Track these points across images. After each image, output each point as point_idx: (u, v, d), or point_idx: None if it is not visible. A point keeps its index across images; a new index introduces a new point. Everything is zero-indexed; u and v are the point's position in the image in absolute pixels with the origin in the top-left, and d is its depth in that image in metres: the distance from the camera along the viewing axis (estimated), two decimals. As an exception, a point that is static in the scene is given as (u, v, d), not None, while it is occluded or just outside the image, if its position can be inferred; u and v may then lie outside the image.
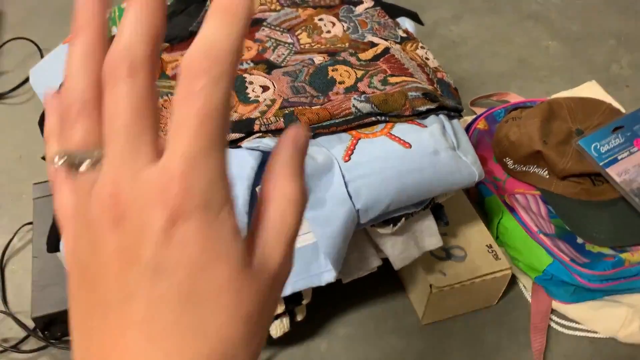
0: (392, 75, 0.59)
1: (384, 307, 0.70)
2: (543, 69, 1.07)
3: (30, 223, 0.75)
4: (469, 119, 0.94)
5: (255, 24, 0.66)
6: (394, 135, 0.54)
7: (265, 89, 0.58)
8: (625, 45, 1.12)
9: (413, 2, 1.21)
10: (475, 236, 0.68)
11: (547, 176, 0.77)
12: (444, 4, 1.21)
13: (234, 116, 0.55)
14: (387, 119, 0.55)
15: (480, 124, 0.89)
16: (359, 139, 0.54)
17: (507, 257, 0.74)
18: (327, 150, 0.54)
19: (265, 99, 0.57)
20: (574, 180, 0.75)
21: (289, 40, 0.65)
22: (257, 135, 0.53)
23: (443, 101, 0.58)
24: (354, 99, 0.55)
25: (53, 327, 0.65)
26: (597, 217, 0.73)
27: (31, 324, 0.64)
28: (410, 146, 0.53)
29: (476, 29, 1.16)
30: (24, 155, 0.89)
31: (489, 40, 1.13)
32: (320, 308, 0.65)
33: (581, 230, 0.73)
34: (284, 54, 0.63)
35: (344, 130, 0.55)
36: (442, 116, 0.58)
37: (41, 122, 0.69)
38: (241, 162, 0.51)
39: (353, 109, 0.54)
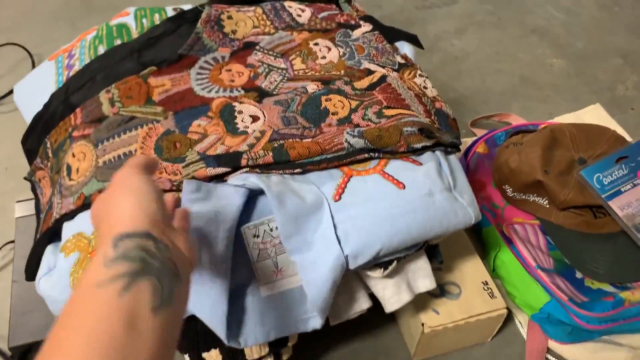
0: (387, 107, 0.56)
1: (374, 343, 0.68)
2: (546, 87, 1.04)
3: (13, 242, 0.73)
4: (468, 140, 0.91)
5: (248, 47, 0.63)
6: (387, 173, 0.52)
7: (255, 119, 0.55)
8: (632, 64, 1.09)
9: (416, 14, 1.19)
10: (470, 271, 0.66)
11: (547, 206, 0.75)
12: (447, 17, 1.19)
13: (221, 148, 0.53)
14: (381, 155, 0.53)
15: (480, 148, 0.86)
16: (351, 176, 0.52)
17: (503, 290, 0.71)
18: (317, 188, 0.51)
19: (254, 130, 0.54)
20: (575, 211, 0.73)
21: (282, 66, 0.62)
22: (244, 170, 0.51)
23: (440, 137, 0.55)
24: (347, 133, 0.52)
25: (30, 356, 0.63)
26: (598, 250, 0.71)
27: (9, 349, 0.62)
28: (404, 187, 0.51)
29: (479, 44, 1.13)
30: (10, 167, 0.87)
31: (492, 55, 1.10)
32: (309, 344, 0.62)
33: (580, 264, 0.70)
34: (276, 81, 0.61)
35: (336, 167, 0.53)
36: (438, 152, 0.55)
37: (24, 140, 0.66)
38: (226, 201, 0.48)
39: (346, 144, 0.52)
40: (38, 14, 1.17)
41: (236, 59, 0.63)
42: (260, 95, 0.58)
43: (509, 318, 0.71)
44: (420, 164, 0.54)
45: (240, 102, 0.57)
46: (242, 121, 0.55)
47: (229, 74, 0.61)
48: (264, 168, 0.51)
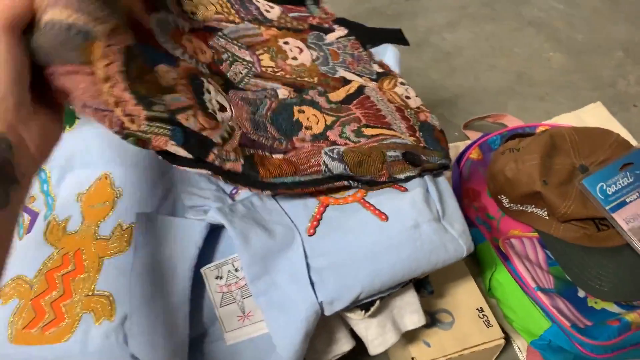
0: (366, 126, 0.50)
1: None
2: (544, 84, 0.98)
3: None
4: (461, 145, 0.85)
5: (209, 31, 0.55)
6: (368, 202, 0.46)
7: (222, 109, 0.47)
8: (634, 57, 1.03)
9: (405, 7, 1.12)
10: (464, 297, 0.60)
11: (547, 217, 0.69)
12: (439, 10, 1.12)
13: (193, 123, 0.42)
14: (360, 185, 0.47)
15: (474, 154, 0.80)
16: (327, 205, 0.46)
17: (499, 312, 0.66)
18: (288, 218, 0.45)
19: (223, 121, 0.45)
20: (577, 223, 0.67)
21: (248, 58, 0.55)
22: (204, 169, 0.41)
23: (426, 162, 0.49)
24: (325, 153, 0.46)
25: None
26: (601, 266, 0.65)
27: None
28: (386, 218, 0.45)
29: (473, 38, 1.06)
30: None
31: (486, 51, 1.04)
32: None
33: (583, 281, 0.65)
34: (241, 73, 0.53)
35: (311, 193, 0.47)
36: (426, 176, 0.50)
37: None
38: (185, 238, 0.42)
39: (323, 167, 0.45)
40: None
41: (196, 35, 0.52)
42: (226, 84, 0.50)
43: (507, 342, 0.66)
44: (406, 189, 0.48)
45: (208, 82, 0.48)
46: (210, 102, 0.45)
47: (190, 45, 0.50)
48: (229, 177, 0.43)
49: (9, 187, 0.31)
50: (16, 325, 0.42)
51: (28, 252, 0.46)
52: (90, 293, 0.43)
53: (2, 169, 0.31)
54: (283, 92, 0.53)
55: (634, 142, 0.84)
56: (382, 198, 0.46)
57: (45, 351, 0.41)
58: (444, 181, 0.51)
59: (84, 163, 0.49)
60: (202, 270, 0.43)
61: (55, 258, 0.45)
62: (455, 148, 0.85)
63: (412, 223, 0.45)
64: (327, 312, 0.43)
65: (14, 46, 0.32)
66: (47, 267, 0.44)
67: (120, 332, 0.42)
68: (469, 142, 0.83)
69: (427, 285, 0.53)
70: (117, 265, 0.44)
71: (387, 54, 0.61)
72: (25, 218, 0.49)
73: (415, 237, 0.45)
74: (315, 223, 0.45)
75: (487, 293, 0.67)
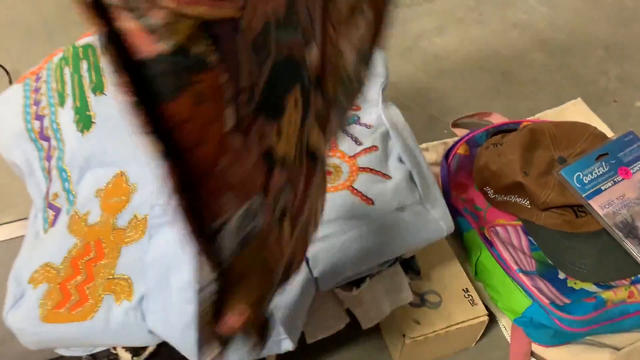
0: None
1: (358, 353, 0.67)
2: (528, 83, 1.03)
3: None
4: (450, 142, 0.91)
5: None
6: (356, 189, 0.51)
7: None
8: (614, 55, 1.08)
9: (396, 13, 1.18)
10: (451, 279, 0.66)
11: (529, 206, 0.74)
12: (428, 15, 1.18)
13: None
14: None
15: (461, 149, 0.85)
16: (320, 194, 0.51)
17: (486, 294, 0.71)
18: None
19: None
20: (556, 211, 0.73)
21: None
22: None
23: None
24: None
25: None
26: (580, 250, 0.70)
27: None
28: (372, 203, 0.50)
29: (461, 42, 1.12)
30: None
31: (473, 53, 1.10)
32: (292, 356, 0.62)
33: (563, 264, 0.70)
34: None
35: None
36: (408, 163, 0.55)
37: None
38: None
39: None
40: (14, 29, 1.16)
41: None
42: None
43: (493, 322, 0.71)
44: (390, 177, 0.53)
45: None
46: None
47: None
48: None
49: None
50: (46, 306, 0.48)
51: (54, 242, 0.51)
52: (110, 277, 0.49)
53: None
54: None
55: (611, 135, 0.89)
56: (368, 185, 0.52)
57: (73, 328, 0.47)
58: (427, 170, 0.56)
59: (102, 163, 0.55)
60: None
61: (78, 247, 0.50)
62: (444, 144, 0.91)
63: (395, 206, 0.50)
64: (322, 288, 0.48)
65: None
66: (72, 255, 0.50)
67: (139, 310, 0.47)
68: (456, 139, 0.88)
69: (414, 266, 0.58)
70: (134, 252, 0.49)
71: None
72: (50, 214, 0.55)
73: (399, 220, 0.50)
74: (310, 210, 0.50)
75: (474, 277, 0.72)
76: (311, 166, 0.32)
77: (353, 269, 0.48)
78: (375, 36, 0.34)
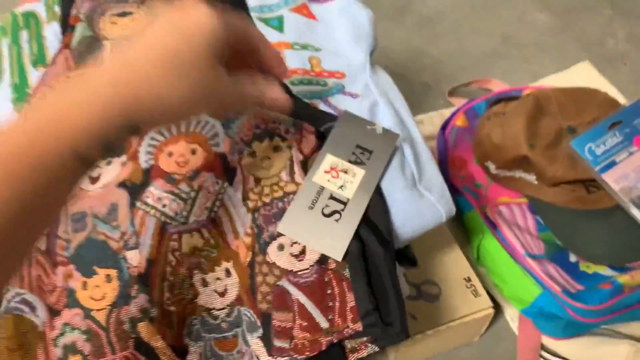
0: None
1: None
2: (530, 46, 0.95)
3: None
4: (446, 113, 0.83)
5: None
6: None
7: None
8: (622, 14, 1.00)
9: None
10: (451, 267, 0.59)
11: (536, 182, 0.67)
12: (420, -26, 1.08)
13: None
14: None
15: (459, 121, 0.78)
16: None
17: (489, 280, 0.64)
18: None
19: None
20: (566, 186, 0.65)
21: None
22: None
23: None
24: None
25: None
26: (593, 229, 0.63)
27: None
28: (360, 188, 0.43)
29: (455, 2, 1.03)
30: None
31: (469, 14, 1.01)
32: None
33: (574, 245, 0.63)
34: None
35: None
36: (401, 139, 0.47)
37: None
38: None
39: None
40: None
41: None
42: None
43: (498, 312, 0.64)
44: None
45: None
46: None
47: None
48: None
49: None
50: None
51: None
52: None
53: None
54: None
55: (623, 101, 0.81)
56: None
57: None
58: (422, 145, 0.48)
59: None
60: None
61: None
62: (440, 116, 0.83)
63: (384, 191, 0.43)
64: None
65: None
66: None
67: None
68: (454, 109, 0.80)
69: (410, 256, 0.51)
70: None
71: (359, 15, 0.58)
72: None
73: (388, 206, 0.43)
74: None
75: (476, 262, 0.65)
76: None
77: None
78: None
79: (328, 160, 0.45)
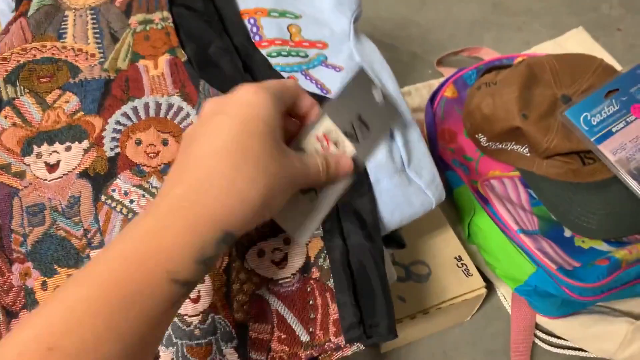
0: None
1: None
2: (521, 13, 0.91)
3: None
4: (435, 83, 0.80)
5: None
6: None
7: None
8: (616, -23, 0.96)
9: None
10: (440, 245, 0.56)
11: (528, 154, 0.64)
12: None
13: None
14: None
15: (448, 91, 0.74)
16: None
17: (480, 257, 0.62)
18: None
19: None
20: (560, 158, 0.62)
21: None
22: None
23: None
24: None
25: None
26: (588, 202, 0.61)
27: None
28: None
29: (443, -33, 0.99)
30: None
31: (458, -21, 0.97)
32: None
33: (569, 220, 0.60)
34: None
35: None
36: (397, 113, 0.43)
37: None
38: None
39: None
40: None
41: None
42: None
43: (491, 290, 0.62)
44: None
45: None
46: None
47: None
48: None
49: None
50: None
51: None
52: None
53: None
54: None
55: (619, 68, 0.78)
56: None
57: None
58: (411, 123, 0.45)
59: None
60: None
61: None
62: (429, 86, 0.80)
63: (371, 179, 0.39)
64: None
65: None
66: None
67: None
68: (443, 79, 0.77)
69: (398, 239, 0.48)
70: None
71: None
72: None
73: (375, 195, 0.39)
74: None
75: (467, 240, 0.63)
76: None
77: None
78: None
79: (325, 124, 0.38)
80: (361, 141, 0.39)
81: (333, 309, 0.38)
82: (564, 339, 0.59)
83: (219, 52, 0.48)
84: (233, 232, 0.30)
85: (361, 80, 0.40)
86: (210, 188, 0.29)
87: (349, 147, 0.38)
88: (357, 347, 0.38)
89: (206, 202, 0.29)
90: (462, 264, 0.55)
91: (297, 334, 0.38)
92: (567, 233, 0.60)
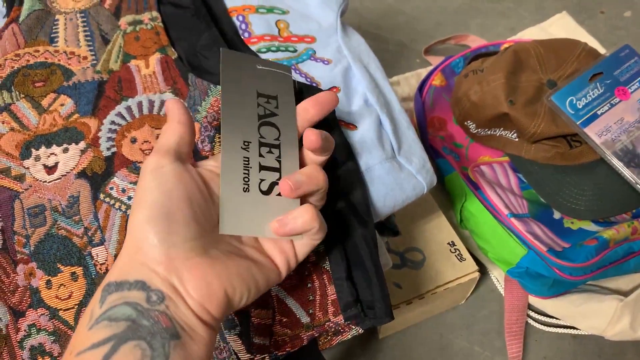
0: None
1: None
2: (506, -1, 0.92)
3: None
4: (423, 72, 0.81)
5: None
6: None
7: None
8: (598, -40, 0.97)
9: None
10: (434, 232, 0.57)
11: (516, 139, 0.65)
12: None
13: None
14: None
15: (436, 80, 0.75)
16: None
17: (473, 242, 0.63)
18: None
19: None
20: (548, 142, 0.64)
21: None
22: None
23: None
24: None
25: None
26: (576, 184, 0.62)
27: None
28: (335, 162, 0.40)
29: (427, -45, 0.99)
30: None
31: (442, -33, 0.97)
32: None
33: (558, 202, 0.62)
34: None
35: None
36: (377, 106, 0.44)
37: None
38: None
39: None
40: None
41: None
42: None
43: (484, 274, 0.63)
44: (355, 127, 0.43)
45: None
46: None
47: None
48: None
49: (171, 346, 0.28)
50: None
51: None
52: None
53: (156, 323, 0.28)
54: None
55: (602, 51, 0.79)
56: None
57: None
58: (400, 111, 0.46)
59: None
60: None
61: None
62: (417, 76, 0.80)
63: (363, 167, 0.40)
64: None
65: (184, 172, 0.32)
66: None
67: None
68: (431, 68, 0.78)
69: (392, 226, 0.49)
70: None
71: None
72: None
73: (367, 182, 0.40)
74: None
75: (459, 225, 0.64)
76: None
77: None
78: None
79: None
80: (279, 112, 0.38)
81: (331, 290, 0.39)
82: (556, 318, 0.60)
83: (208, 45, 0.49)
84: (118, 281, 0.30)
85: (232, 59, 0.39)
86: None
87: (278, 133, 0.37)
88: (356, 330, 0.40)
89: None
90: (455, 249, 0.56)
91: (297, 316, 0.39)
92: (556, 215, 0.62)
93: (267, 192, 0.35)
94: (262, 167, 0.36)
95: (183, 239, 0.30)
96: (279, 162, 0.36)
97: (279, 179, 0.35)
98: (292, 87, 0.40)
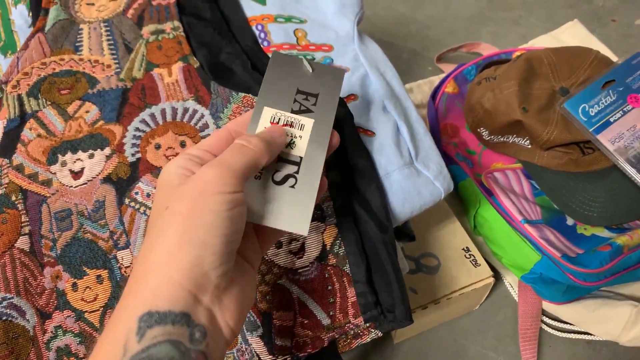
0: None
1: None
2: (517, 7, 0.93)
3: None
4: (435, 80, 0.81)
5: None
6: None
7: None
8: (609, -31, 0.98)
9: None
10: (448, 237, 0.58)
11: (529, 146, 0.66)
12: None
13: None
14: None
15: (449, 87, 0.76)
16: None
17: (487, 249, 0.64)
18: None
19: None
20: (561, 149, 0.64)
21: None
22: None
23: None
24: None
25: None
26: (589, 191, 0.63)
27: None
28: (355, 169, 0.41)
29: (439, -36, 1.00)
30: None
31: (454, -24, 0.98)
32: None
33: (571, 208, 0.62)
34: None
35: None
36: (394, 113, 0.45)
37: None
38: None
39: None
40: None
41: None
42: None
43: (498, 279, 0.64)
44: (373, 134, 0.44)
45: None
46: None
47: None
48: None
49: None
50: None
51: None
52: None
53: None
54: None
55: (614, 59, 0.80)
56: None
57: None
58: (417, 118, 0.46)
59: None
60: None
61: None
62: (430, 83, 0.81)
63: (381, 173, 0.41)
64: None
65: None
66: None
67: None
68: (443, 75, 0.78)
69: (408, 231, 0.50)
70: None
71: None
72: None
73: (386, 188, 0.41)
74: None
75: (473, 231, 0.64)
76: None
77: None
78: None
79: (266, 114, 0.36)
80: (315, 110, 0.37)
81: (351, 292, 0.40)
82: (570, 324, 0.60)
83: (230, 58, 0.50)
84: (161, 311, 0.27)
85: (278, 61, 0.39)
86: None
87: (306, 121, 0.37)
88: (375, 333, 0.40)
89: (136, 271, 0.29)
90: (469, 254, 0.57)
91: (318, 318, 0.40)
92: (570, 221, 0.62)
93: (280, 183, 0.35)
94: (280, 159, 0.36)
95: (226, 267, 0.29)
96: (301, 158, 0.36)
97: (297, 172, 0.35)
98: (339, 89, 0.39)
